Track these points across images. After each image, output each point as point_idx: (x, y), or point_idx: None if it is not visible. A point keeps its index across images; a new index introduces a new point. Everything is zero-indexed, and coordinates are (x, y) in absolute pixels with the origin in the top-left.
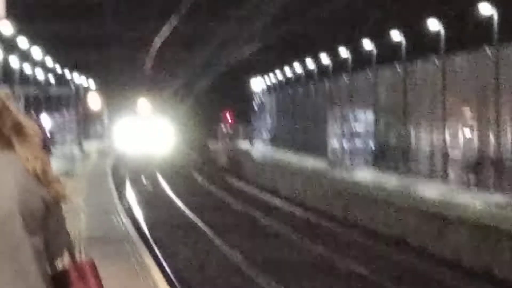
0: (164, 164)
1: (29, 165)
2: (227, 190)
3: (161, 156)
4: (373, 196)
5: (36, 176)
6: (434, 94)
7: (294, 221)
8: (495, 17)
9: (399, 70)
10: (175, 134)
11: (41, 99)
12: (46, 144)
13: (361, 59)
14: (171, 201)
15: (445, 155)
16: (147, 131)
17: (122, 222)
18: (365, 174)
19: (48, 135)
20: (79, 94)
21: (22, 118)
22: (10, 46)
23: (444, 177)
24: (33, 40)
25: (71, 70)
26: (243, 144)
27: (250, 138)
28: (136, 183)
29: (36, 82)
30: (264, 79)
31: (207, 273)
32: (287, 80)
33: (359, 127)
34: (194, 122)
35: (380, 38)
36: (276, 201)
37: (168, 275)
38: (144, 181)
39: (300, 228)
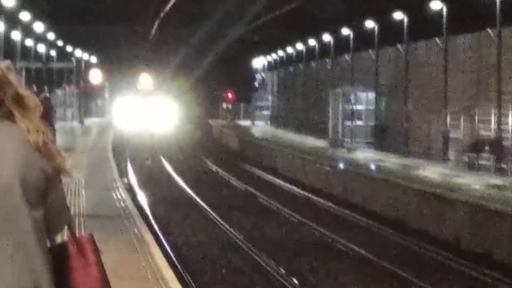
0: (165, 142)
1: (30, 137)
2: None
3: (162, 134)
4: (371, 176)
5: (37, 148)
6: (435, 75)
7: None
8: None
9: (401, 50)
10: (177, 112)
11: (43, 73)
12: (50, 118)
13: (363, 39)
14: (171, 178)
15: (446, 136)
16: (148, 108)
17: (122, 198)
18: (364, 154)
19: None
20: (81, 69)
21: (23, 90)
22: (12, 20)
23: (444, 158)
24: (36, 15)
25: (73, 45)
26: (244, 123)
27: (251, 117)
28: (137, 160)
29: (37, 56)
30: (266, 58)
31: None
32: (288, 59)
33: (359, 107)
34: (195, 99)
35: (383, 19)
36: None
37: (166, 250)
38: (146, 159)
39: (302, 208)
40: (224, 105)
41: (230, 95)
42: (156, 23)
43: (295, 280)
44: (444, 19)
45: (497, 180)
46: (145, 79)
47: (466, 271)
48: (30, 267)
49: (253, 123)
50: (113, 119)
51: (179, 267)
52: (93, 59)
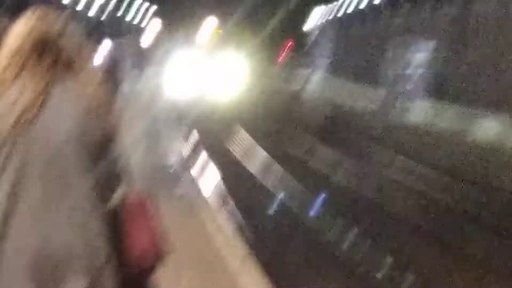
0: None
1: (88, 96)
2: None
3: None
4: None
5: (95, 108)
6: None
7: None
8: None
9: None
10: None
11: (103, 24)
12: (115, 74)
13: None
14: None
15: None
16: (210, 69)
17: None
18: (424, 104)
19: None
20: (141, 20)
21: (82, 46)
22: None
23: None
24: None
25: None
26: (303, 73)
27: (309, 66)
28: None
29: (97, 6)
30: (326, 8)
31: None
32: (347, 11)
33: (419, 57)
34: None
35: None
36: None
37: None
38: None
39: None
40: (283, 56)
41: (288, 46)
42: None
43: None
44: None
45: None
46: (206, 30)
47: None
48: (86, 227)
49: (311, 73)
50: (167, 78)
51: None
52: (153, 9)
